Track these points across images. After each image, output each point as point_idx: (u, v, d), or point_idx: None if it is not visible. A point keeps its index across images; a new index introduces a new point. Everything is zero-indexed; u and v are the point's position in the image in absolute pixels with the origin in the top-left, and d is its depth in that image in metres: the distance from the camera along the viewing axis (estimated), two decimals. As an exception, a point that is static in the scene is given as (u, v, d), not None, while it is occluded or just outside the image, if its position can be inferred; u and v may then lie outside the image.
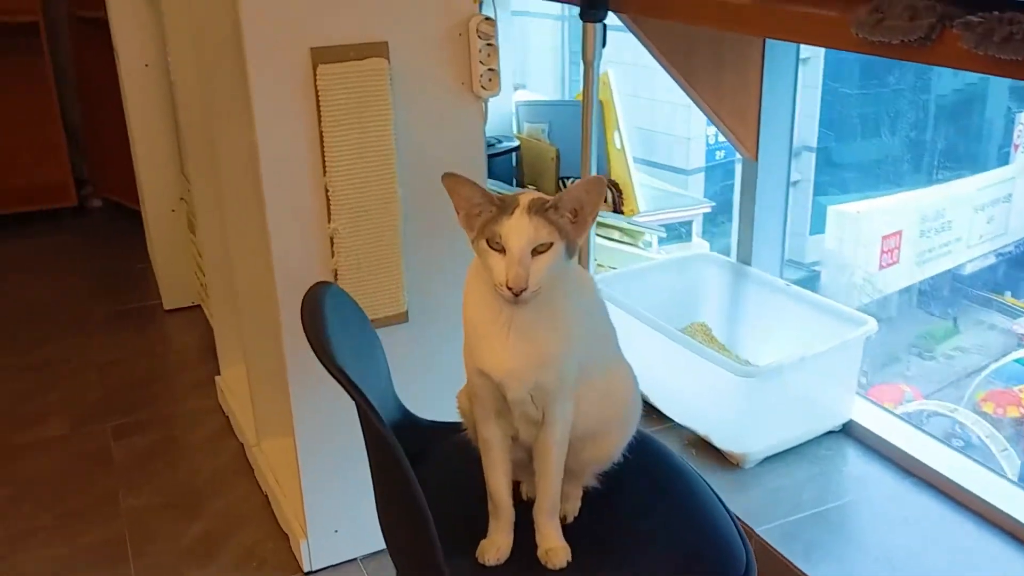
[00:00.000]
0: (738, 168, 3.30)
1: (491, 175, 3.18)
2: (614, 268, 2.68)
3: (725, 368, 2.00)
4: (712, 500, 1.27)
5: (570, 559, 1.16)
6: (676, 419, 2.22)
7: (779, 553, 1.81)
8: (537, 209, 1.07)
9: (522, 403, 1.14)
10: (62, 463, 2.39)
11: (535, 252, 1.06)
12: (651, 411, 2.26)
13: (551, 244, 1.07)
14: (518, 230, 1.06)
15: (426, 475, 1.28)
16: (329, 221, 1.76)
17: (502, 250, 1.06)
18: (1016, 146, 2.55)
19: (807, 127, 2.96)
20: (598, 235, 2.72)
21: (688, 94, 2.14)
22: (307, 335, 1.03)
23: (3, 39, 4.02)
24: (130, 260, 3.62)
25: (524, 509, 1.20)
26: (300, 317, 1.07)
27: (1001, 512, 1.82)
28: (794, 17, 1.50)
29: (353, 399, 0.98)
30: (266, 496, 2.19)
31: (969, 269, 2.60)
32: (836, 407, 2.13)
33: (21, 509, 2.21)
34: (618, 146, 2.98)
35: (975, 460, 1.98)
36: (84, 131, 4.25)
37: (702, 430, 2.14)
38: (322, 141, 1.71)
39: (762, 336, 2.35)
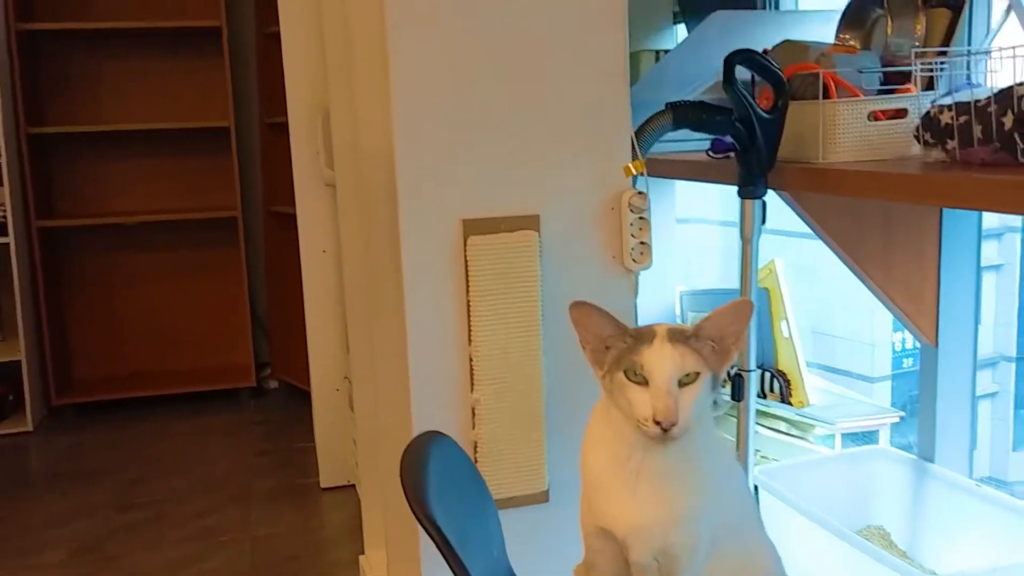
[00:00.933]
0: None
1: (653, 364, 3.10)
2: (776, 460, 2.49)
3: None
4: None
5: None
6: (848, 633, 1.96)
7: None
8: (678, 337, 1.01)
9: (645, 569, 1.01)
10: (203, 636, 2.37)
11: (680, 384, 0.98)
12: (820, 622, 2.01)
13: (697, 374, 0.99)
14: (662, 359, 0.98)
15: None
16: (472, 391, 1.73)
17: (644, 382, 0.98)
18: None
19: (1005, 336, 2.78)
20: (761, 424, 2.57)
21: (856, 273, 2.03)
22: (403, 486, 0.96)
23: (205, 232, 4.39)
24: (297, 439, 3.71)
25: None
26: (399, 466, 1.00)
27: None
28: (974, 184, 1.39)
29: (447, 562, 0.90)
30: None
31: None
32: (1042, 631, 1.83)
33: None
34: (785, 335, 2.85)
35: None
36: (269, 316, 4.49)
37: (881, 648, 1.88)
38: (469, 310, 1.71)
39: (949, 544, 2.08)
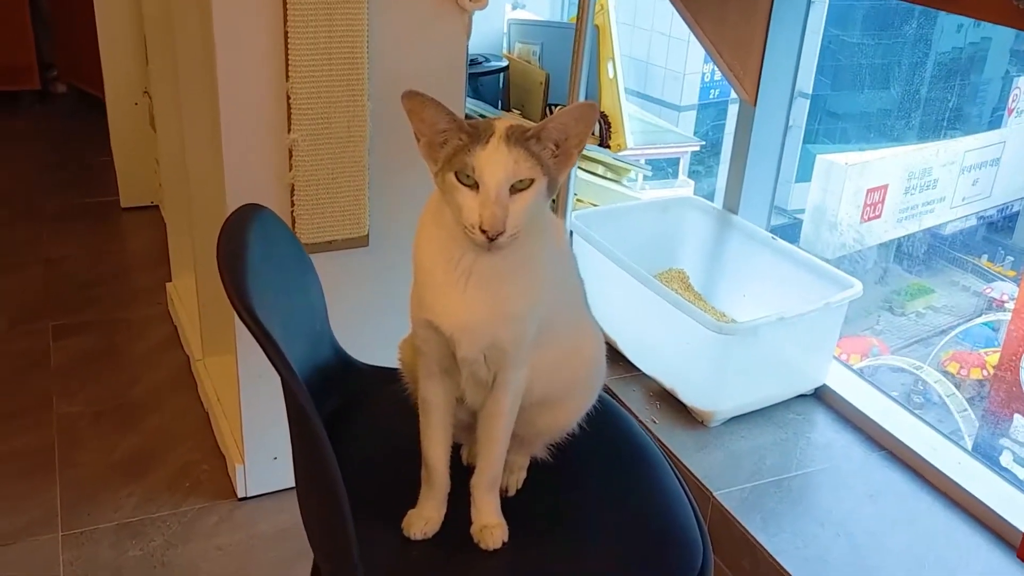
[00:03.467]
0: (731, 109, 3.19)
1: (476, 95, 3.03)
2: (594, 205, 2.55)
3: (701, 323, 1.89)
4: (673, 487, 1.15)
5: (506, 539, 1.04)
6: (643, 369, 2.12)
7: (736, 520, 1.73)
8: (517, 139, 0.92)
9: (473, 363, 1.01)
10: (-4, 361, 2.28)
11: (513, 189, 0.92)
12: (618, 358, 2.16)
13: (532, 181, 0.92)
14: (495, 162, 0.91)
15: (356, 428, 1.16)
16: (289, 131, 1.62)
17: (474, 186, 0.92)
18: (1010, 110, 2.47)
19: (804, 73, 2.84)
20: (580, 168, 2.60)
21: (690, 27, 1.99)
22: (221, 274, 0.89)
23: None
24: (91, 152, 3.44)
25: (462, 476, 1.08)
26: (216, 244, 0.93)
27: (969, 495, 1.75)
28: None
29: (267, 354, 0.86)
30: (207, 415, 2.09)
31: (949, 230, 2.55)
32: (811, 371, 2.04)
33: (-52, 406, 2.10)
34: (611, 76, 2.83)
35: (953, 441, 1.91)
36: (53, 11, 4.01)
37: (669, 383, 2.05)
38: (287, 42, 1.56)
39: (741, 289, 2.24)
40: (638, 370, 2.13)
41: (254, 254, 0.92)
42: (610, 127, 2.82)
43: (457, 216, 0.93)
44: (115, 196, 3.09)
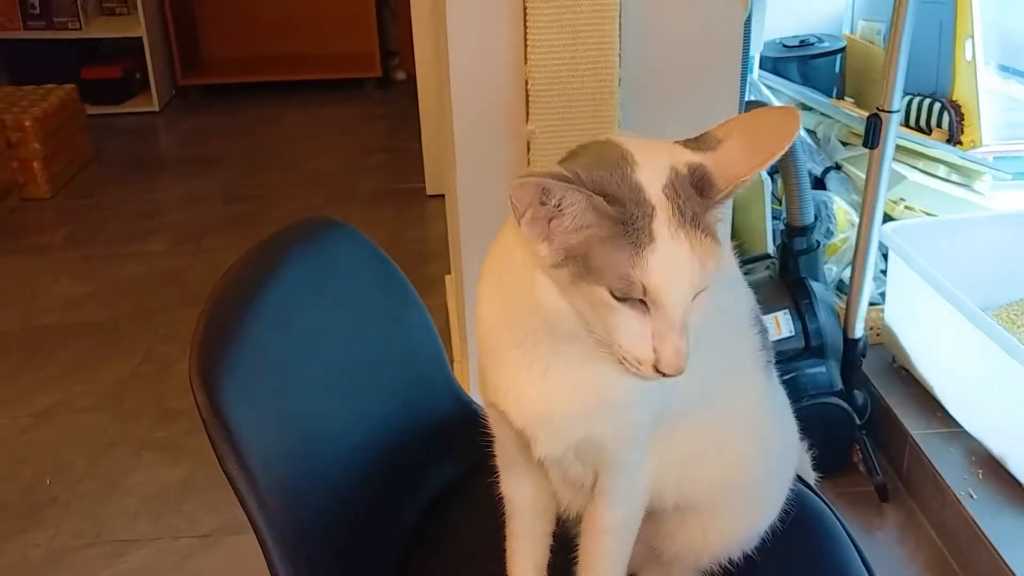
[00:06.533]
0: None
1: (805, 81, 2.66)
2: (930, 214, 2.10)
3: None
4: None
5: None
6: (965, 426, 1.68)
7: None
8: (694, 212, 0.57)
9: (558, 462, 0.71)
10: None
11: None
12: (934, 408, 1.74)
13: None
14: (678, 273, 0.57)
15: (466, 513, 0.90)
16: (527, 121, 1.42)
17: (637, 303, 0.58)
18: None
19: None
20: (915, 167, 2.15)
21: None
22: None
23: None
24: (412, 138, 3.49)
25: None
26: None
27: None
28: None
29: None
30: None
31: None
32: None
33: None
34: (968, 58, 2.33)
35: None
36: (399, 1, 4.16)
37: (998, 449, 1.60)
38: (525, 19, 1.36)
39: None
40: (958, 426, 1.69)
41: (283, 294, 0.71)
42: (963, 120, 2.32)
43: (606, 340, 0.60)
44: (422, 183, 3.09)
